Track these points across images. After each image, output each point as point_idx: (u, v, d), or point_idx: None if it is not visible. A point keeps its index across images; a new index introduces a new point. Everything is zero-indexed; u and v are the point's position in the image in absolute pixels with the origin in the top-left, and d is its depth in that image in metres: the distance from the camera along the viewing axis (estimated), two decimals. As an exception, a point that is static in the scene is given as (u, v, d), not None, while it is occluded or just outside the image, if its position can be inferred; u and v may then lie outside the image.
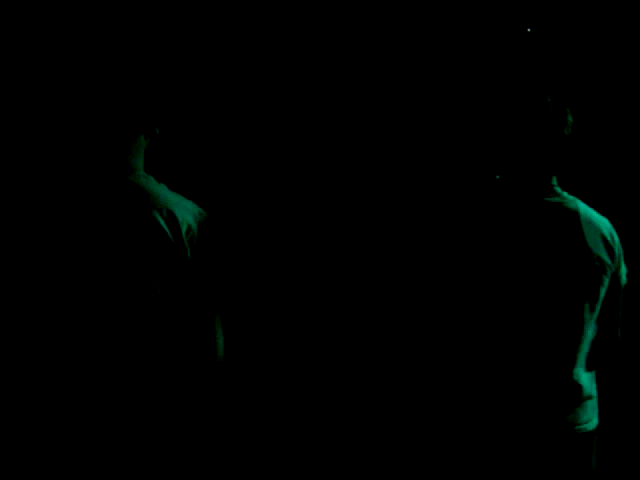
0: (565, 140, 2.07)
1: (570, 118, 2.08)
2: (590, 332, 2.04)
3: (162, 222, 1.87)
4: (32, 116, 2.93)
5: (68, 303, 1.81)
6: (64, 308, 1.81)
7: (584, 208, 2.07)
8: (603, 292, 2.04)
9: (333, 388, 3.32)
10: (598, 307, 2.05)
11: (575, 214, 2.03)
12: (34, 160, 2.78)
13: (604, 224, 2.09)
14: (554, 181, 2.08)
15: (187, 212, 1.93)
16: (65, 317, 1.81)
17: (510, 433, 1.95)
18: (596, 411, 2.06)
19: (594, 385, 2.08)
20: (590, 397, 2.03)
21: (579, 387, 2.00)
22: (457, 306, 1.99)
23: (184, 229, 1.89)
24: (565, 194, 2.08)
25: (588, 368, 2.05)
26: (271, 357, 3.29)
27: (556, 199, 2.04)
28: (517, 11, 3.39)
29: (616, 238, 2.11)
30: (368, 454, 3.16)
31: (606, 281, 2.05)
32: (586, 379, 2.04)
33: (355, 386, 3.32)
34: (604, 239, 2.05)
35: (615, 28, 3.30)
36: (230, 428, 2.90)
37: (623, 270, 2.14)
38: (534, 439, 1.95)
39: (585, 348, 2.03)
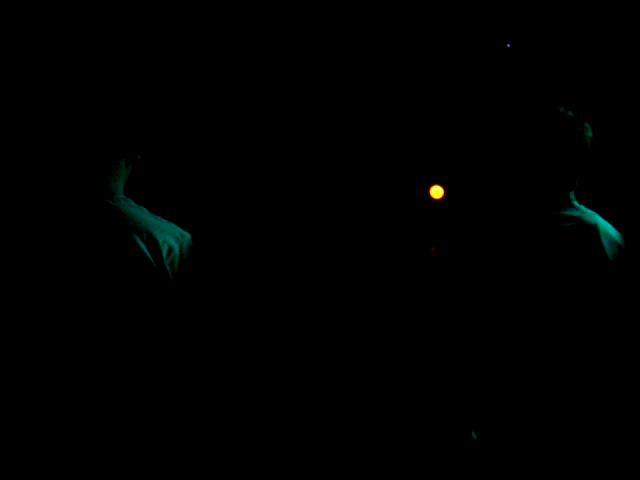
0: (584, 155, 2.08)
1: (589, 133, 2.10)
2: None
3: (142, 245, 1.85)
4: (12, 138, 2.92)
5: (46, 328, 1.79)
6: (41, 333, 1.79)
7: (602, 222, 2.08)
8: (620, 301, 2.05)
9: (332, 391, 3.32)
10: (611, 309, 2.05)
11: (594, 228, 2.04)
12: (12, 183, 2.76)
13: (619, 237, 2.10)
14: (572, 195, 2.10)
15: (168, 234, 1.92)
16: (43, 342, 1.79)
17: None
18: None
19: None
20: None
21: None
22: (470, 317, 2.01)
23: (165, 251, 1.88)
24: (583, 207, 2.09)
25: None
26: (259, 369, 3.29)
27: (575, 213, 2.06)
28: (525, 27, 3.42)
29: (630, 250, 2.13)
30: (368, 454, 3.15)
31: (621, 288, 2.05)
32: None
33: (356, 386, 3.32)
34: (621, 251, 2.06)
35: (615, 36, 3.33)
36: (228, 429, 2.89)
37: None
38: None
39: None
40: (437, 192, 3.60)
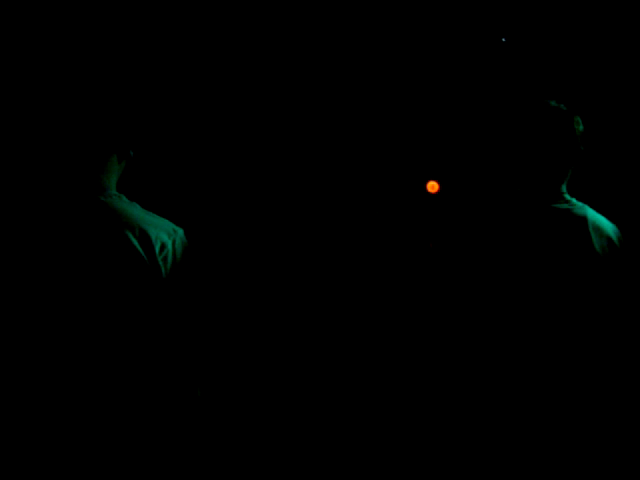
0: (575, 149, 2.09)
1: (581, 127, 2.10)
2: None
3: (135, 241, 1.85)
4: (4, 134, 2.91)
5: (37, 324, 1.79)
6: (33, 329, 1.79)
7: (592, 214, 2.08)
8: (608, 294, 2.04)
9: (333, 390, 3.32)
10: (603, 307, 2.04)
11: (583, 220, 2.04)
12: (3, 179, 2.75)
13: (613, 230, 2.10)
14: (563, 189, 2.10)
15: (161, 230, 1.91)
16: (34, 338, 1.78)
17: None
18: None
19: None
20: None
21: None
22: (463, 310, 2.01)
23: (157, 248, 1.87)
24: (574, 200, 2.09)
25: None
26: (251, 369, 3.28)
27: (564, 206, 2.06)
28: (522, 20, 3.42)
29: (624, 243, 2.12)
30: (368, 454, 3.15)
31: (612, 284, 2.04)
32: None
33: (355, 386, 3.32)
34: (612, 244, 2.06)
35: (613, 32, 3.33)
36: (228, 429, 2.89)
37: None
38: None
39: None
40: (432, 187, 3.61)
